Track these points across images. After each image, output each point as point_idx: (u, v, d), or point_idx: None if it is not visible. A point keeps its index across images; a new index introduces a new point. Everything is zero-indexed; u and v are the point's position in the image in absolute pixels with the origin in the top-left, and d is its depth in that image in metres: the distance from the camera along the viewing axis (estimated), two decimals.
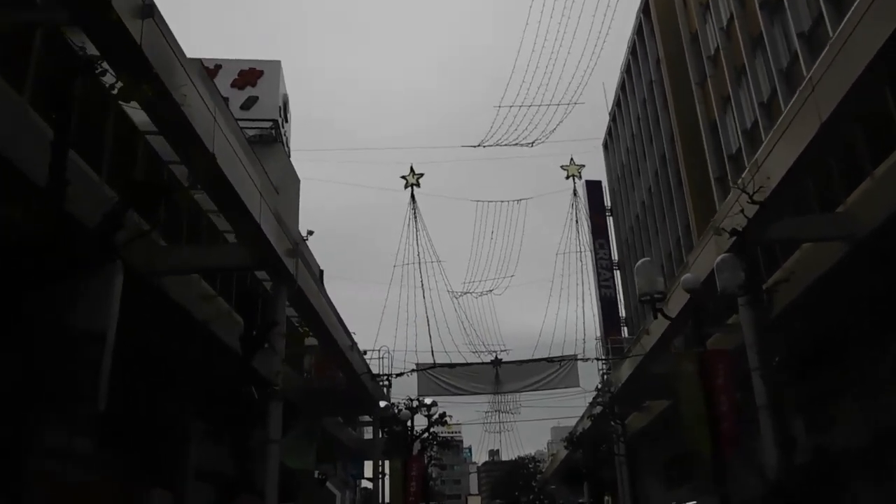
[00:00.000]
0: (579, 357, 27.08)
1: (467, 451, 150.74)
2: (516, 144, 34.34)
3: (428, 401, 25.02)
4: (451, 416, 25.75)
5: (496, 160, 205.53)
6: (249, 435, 11.87)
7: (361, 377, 22.24)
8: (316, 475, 37.61)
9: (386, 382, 26.24)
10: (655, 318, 12.34)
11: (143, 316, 14.34)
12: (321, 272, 40.52)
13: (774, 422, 13.89)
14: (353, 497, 61.24)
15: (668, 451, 33.17)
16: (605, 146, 47.83)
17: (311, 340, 26.45)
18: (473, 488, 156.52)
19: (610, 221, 46.54)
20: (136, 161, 13.18)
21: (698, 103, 29.38)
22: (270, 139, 32.66)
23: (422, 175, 36.67)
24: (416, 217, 34.26)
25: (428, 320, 25.69)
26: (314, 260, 35.66)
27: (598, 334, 40.85)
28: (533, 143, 34.95)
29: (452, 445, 28.56)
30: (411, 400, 25.14)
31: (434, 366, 25.38)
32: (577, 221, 39.37)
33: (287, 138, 37.19)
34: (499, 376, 28.51)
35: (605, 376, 29.37)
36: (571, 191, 42.58)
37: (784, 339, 12.77)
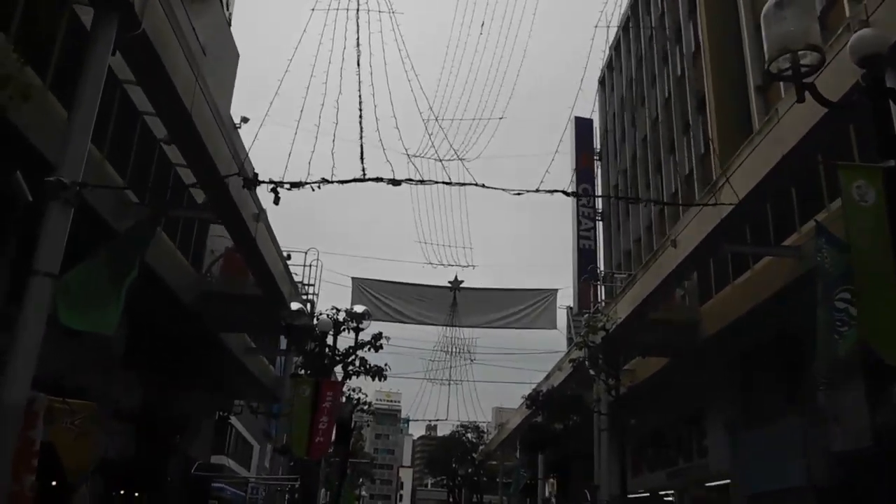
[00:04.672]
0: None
1: (404, 422, 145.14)
2: None
3: (359, 309, 18.76)
4: (388, 338, 19.30)
5: None
6: None
7: (269, 265, 15.84)
8: (218, 415, 31.11)
9: (311, 292, 19.83)
10: (800, 99, 6.11)
11: None
12: (255, 175, 33.81)
13: None
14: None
15: (646, 426, 27.70)
16: (601, 82, 41.83)
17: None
18: (407, 461, 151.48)
19: (598, 167, 40.75)
20: None
21: None
22: None
23: None
24: None
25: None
26: (244, 149, 28.89)
27: (573, 289, 35.09)
28: None
29: (385, 386, 20.86)
30: (336, 310, 18.97)
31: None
32: None
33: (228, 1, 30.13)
34: (456, 303, 22.47)
35: (592, 313, 23.32)
36: None
37: None
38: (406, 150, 7.91)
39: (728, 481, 20.72)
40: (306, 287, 20.28)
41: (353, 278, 22.27)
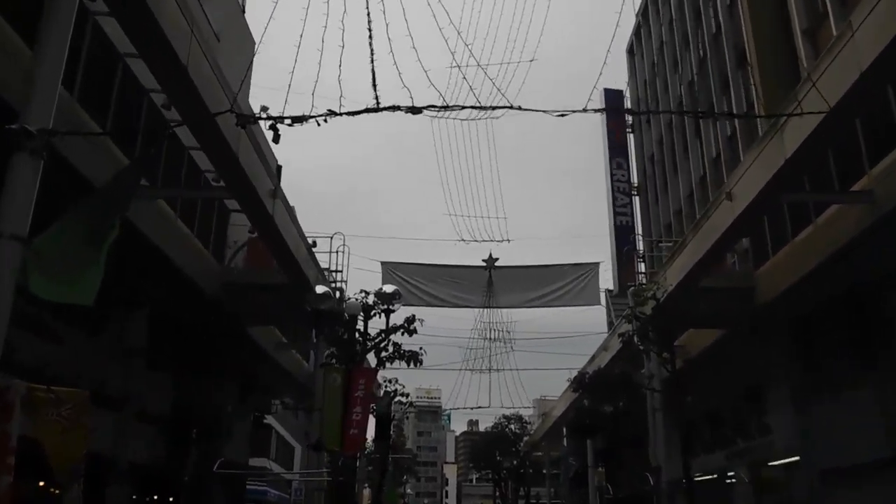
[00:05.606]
0: None
1: (446, 417, 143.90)
2: None
3: (388, 289, 17.48)
4: (421, 320, 17.77)
5: None
6: None
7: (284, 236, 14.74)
8: (253, 415, 30.13)
9: (339, 279, 18.73)
10: None
11: None
12: (279, 167, 32.86)
13: None
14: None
15: (700, 405, 26.06)
16: (630, 51, 40.17)
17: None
18: (451, 457, 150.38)
19: (631, 140, 39.14)
20: None
21: None
22: None
23: None
24: None
25: None
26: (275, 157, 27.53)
27: (612, 266, 33.61)
28: None
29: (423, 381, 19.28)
30: (365, 293, 17.73)
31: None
32: None
33: None
34: (492, 283, 21.21)
35: (639, 284, 21.87)
36: None
37: None
38: (426, 72, 6.69)
39: (797, 458, 19.20)
40: (334, 274, 19.17)
41: (382, 262, 21.15)
